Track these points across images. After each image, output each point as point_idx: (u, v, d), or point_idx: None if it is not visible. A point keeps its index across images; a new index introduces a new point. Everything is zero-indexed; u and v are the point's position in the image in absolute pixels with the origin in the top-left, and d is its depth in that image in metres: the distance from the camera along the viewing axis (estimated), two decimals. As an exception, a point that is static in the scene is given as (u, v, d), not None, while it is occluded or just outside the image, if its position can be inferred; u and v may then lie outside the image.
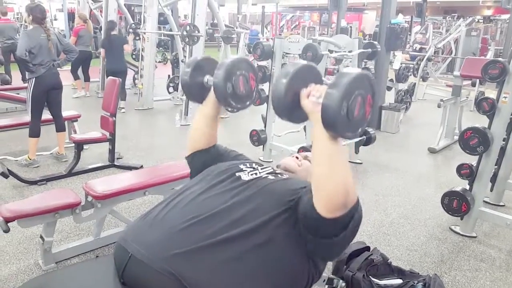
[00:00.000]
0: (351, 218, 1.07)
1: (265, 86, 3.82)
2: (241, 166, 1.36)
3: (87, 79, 7.15)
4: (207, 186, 1.26)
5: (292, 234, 1.12)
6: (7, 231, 2.03)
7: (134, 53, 7.59)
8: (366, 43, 3.71)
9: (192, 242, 1.06)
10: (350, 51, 3.61)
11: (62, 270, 1.33)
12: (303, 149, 3.34)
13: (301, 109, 1.15)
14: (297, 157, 1.50)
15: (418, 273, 2.02)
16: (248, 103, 1.45)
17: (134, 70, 7.55)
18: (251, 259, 1.08)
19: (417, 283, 1.87)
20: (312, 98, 1.12)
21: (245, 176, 1.29)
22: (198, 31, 5.07)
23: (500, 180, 3.21)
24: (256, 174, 1.31)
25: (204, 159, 1.48)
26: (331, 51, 3.53)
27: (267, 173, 1.32)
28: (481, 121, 2.82)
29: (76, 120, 4.34)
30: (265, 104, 3.84)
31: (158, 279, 1.03)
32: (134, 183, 2.49)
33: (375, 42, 3.79)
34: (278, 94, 1.14)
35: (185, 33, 4.99)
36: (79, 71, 7.03)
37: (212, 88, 1.42)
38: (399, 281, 1.94)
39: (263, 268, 1.09)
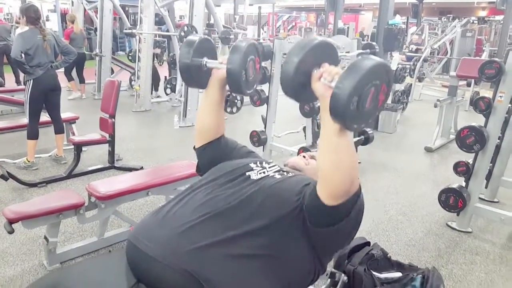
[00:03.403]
0: (353, 204, 1.09)
1: (265, 87, 3.85)
2: (252, 165, 1.36)
3: (82, 81, 7.14)
4: (217, 185, 1.28)
5: (300, 232, 1.15)
6: (11, 232, 2.06)
7: (130, 54, 7.60)
8: (364, 44, 3.76)
9: (202, 239, 1.08)
10: (347, 52, 3.66)
11: (77, 264, 1.36)
12: (303, 149, 3.38)
13: (311, 90, 1.08)
14: (304, 156, 1.52)
15: (417, 267, 2.06)
16: (255, 86, 1.42)
17: (130, 72, 7.58)
18: (260, 257, 1.10)
19: (416, 276, 1.91)
20: (324, 81, 1.05)
21: (254, 176, 1.31)
22: (196, 32, 5.11)
23: (494, 177, 3.27)
24: (264, 173, 1.33)
25: (214, 154, 1.46)
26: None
27: (274, 171, 1.34)
28: (476, 121, 2.87)
29: (74, 122, 4.37)
30: (265, 105, 3.88)
31: (171, 275, 1.05)
32: (137, 184, 2.51)
33: (374, 43, 3.83)
34: (287, 73, 1.06)
35: (182, 33, 5.02)
36: (73, 73, 7.01)
37: (213, 71, 1.39)
38: (398, 274, 1.97)
39: (272, 266, 1.11)
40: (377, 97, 1.00)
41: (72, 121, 4.27)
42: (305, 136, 4.11)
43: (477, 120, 2.89)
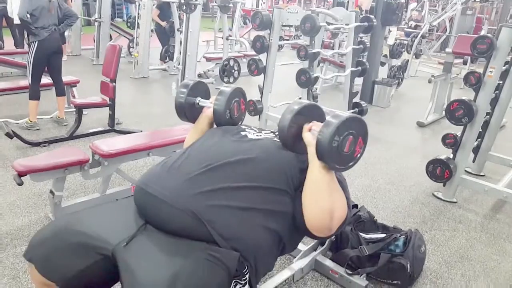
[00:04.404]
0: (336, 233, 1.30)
1: (263, 57, 3.89)
2: (244, 127, 1.53)
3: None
4: (217, 139, 1.40)
5: (290, 199, 1.28)
6: (20, 184, 2.17)
7: (129, 20, 7.53)
8: (362, 16, 3.80)
9: (205, 186, 1.19)
10: (347, 24, 3.70)
11: (87, 209, 1.45)
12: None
13: (301, 141, 1.33)
14: None
15: (401, 229, 2.21)
16: (240, 123, 1.68)
17: (129, 38, 7.54)
18: (255, 210, 1.21)
19: (399, 236, 2.06)
20: (313, 132, 1.31)
21: (251, 135, 1.44)
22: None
23: (482, 152, 3.41)
24: (260, 135, 1.46)
25: None
26: (328, 24, 3.62)
27: (270, 134, 1.49)
28: (471, 97, 2.94)
29: (75, 85, 4.41)
30: (262, 75, 3.94)
31: (178, 216, 1.15)
32: (138, 144, 2.61)
33: (372, 16, 3.87)
34: (283, 125, 1.31)
35: (182, 0, 4.98)
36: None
37: (204, 109, 1.65)
38: (383, 235, 2.12)
39: (265, 219, 1.22)
40: (355, 145, 1.25)
41: (73, 84, 4.32)
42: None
43: (471, 97, 2.96)
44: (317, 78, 3.44)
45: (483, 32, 8.24)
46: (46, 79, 3.97)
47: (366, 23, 3.79)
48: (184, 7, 4.96)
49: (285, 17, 3.61)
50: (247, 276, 1.19)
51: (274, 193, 1.26)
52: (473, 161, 3.50)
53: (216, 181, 1.22)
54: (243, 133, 1.47)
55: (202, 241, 1.14)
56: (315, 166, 1.26)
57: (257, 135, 1.46)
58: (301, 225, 1.26)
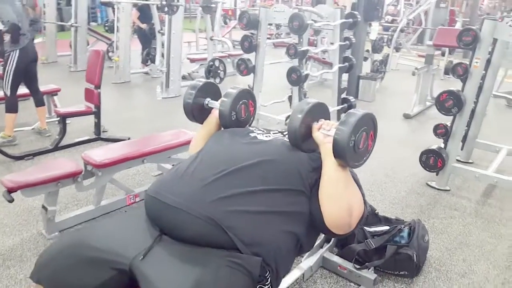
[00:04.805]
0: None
1: (252, 56, 3.87)
2: (251, 128, 1.51)
3: None
4: (228, 142, 1.37)
5: (307, 199, 1.26)
6: (11, 201, 2.08)
7: (106, 24, 7.38)
8: (347, 13, 3.82)
9: (223, 191, 1.16)
10: (332, 21, 3.71)
11: (96, 223, 1.40)
12: (290, 116, 3.47)
13: (310, 140, 1.35)
14: None
15: (403, 220, 2.24)
16: (247, 125, 1.66)
17: (107, 43, 7.39)
18: (275, 213, 1.19)
19: (404, 227, 2.08)
20: (323, 131, 1.32)
21: (260, 137, 1.42)
22: (178, 0, 5.00)
23: (469, 140, 3.48)
24: (269, 136, 1.45)
25: None
26: (314, 21, 3.62)
27: (278, 134, 1.47)
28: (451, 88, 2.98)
29: (56, 94, 4.28)
30: (252, 75, 3.91)
31: (196, 224, 1.11)
32: (132, 152, 2.55)
33: (356, 13, 3.90)
34: (294, 126, 1.32)
35: (164, 2, 4.91)
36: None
37: (213, 110, 1.62)
38: (386, 227, 2.14)
39: (285, 221, 1.20)
40: (367, 140, 1.27)
41: (54, 93, 4.19)
42: (290, 105, 4.20)
43: (452, 88, 3.01)
44: (307, 75, 3.44)
45: (458, 24, 8.45)
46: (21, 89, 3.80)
47: (351, 20, 3.81)
48: (166, 9, 4.89)
49: (272, 16, 3.60)
50: (269, 281, 1.17)
51: (291, 194, 1.24)
52: (461, 149, 3.57)
53: (233, 186, 1.19)
54: (252, 134, 1.44)
55: (221, 248, 1.11)
56: (330, 165, 1.25)
57: (267, 136, 1.45)
58: (320, 224, 1.25)
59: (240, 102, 1.57)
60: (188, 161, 1.32)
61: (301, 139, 1.34)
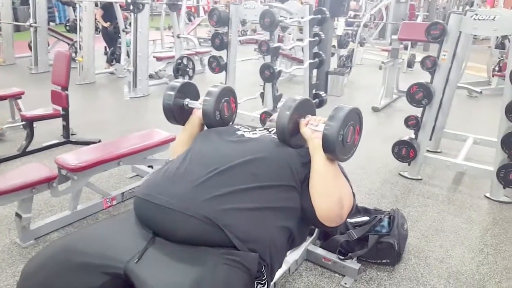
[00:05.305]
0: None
1: (223, 54, 3.85)
2: (237, 126, 1.52)
3: None
4: (216, 141, 1.37)
5: (298, 195, 1.29)
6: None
7: (68, 24, 7.11)
8: (316, 9, 3.87)
9: (217, 190, 1.16)
10: (302, 17, 3.76)
11: (85, 228, 1.35)
12: (265, 113, 3.50)
13: (298, 135, 1.38)
14: None
15: (382, 210, 2.31)
16: (230, 123, 1.65)
17: (68, 43, 7.14)
18: (268, 209, 1.20)
19: (383, 217, 2.14)
20: (311, 126, 1.36)
21: (247, 134, 1.43)
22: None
23: (437, 130, 3.62)
24: (255, 133, 1.45)
25: None
26: (284, 18, 3.66)
27: (264, 131, 1.49)
28: (414, 81, 3.04)
29: (20, 97, 4.07)
30: (223, 72, 3.90)
31: (193, 224, 1.10)
32: (107, 154, 2.48)
33: (324, 9, 3.96)
34: (282, 123, 1.34)
35: (129, 0, 4.79)
36: None
37: (194, 110, 1.61)
38: (366, 218, 2.20)
39: (278, 216, 1.22)
40: (354, 134, 1.33)
41: (17, 96, 3.97)
42: (262, 101, 4.22)
43: (415, 80, 3.08)
44: (280, 72, 3.47)
45: (419, 18, 8.76)
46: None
47: (319, 16, 3.87)
48: (131, 7, 4.77)
49: (242, 13, 3.59)
50: (266, 276, 1.18)
51: (283, 190, 1.25)
52: (430, 139, 3.71)
53: (226, 184, 1.19)
54: (239, 132, 1.45)
55: (217, 246, 1.11)
56: (319, 159, 1.28)
57: (253, 133, 1.45)
58: (312, 218, 1.27)
59: (223, 101, 1.57)
60: (177, 162, 1.31)
61: (290, 135, 1.36)
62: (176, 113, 1.60)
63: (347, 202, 1.28)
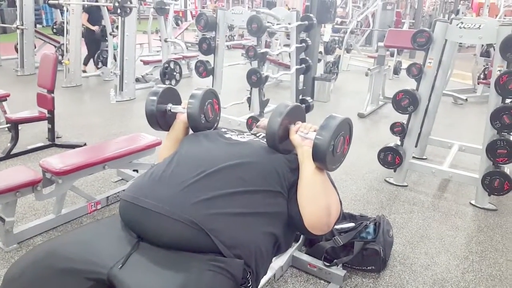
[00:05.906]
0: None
1: (210, 58, 3.85)
2: (224, 130, 1.52)
3: None
4: (205, 144, 1.36)
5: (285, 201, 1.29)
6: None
7: (55, 26, 7.03)
8: (303, 16, 3.91)
9: (204, 194, 1.15)
10: (289, 23, 3.79)
11: (69, 233, 1.32)
12: (252, 118, 3.50)
13: (287, 141, 1.37)
14: None
15: (367, 216, 2.32)
16: (215, 125, 1.65)
17: (55, 46, 7.05)
18: (255, 214, 1.19)
19: (369, 223, 2.16)
20: (301, 133, 1.35)
21: (235, 138, 1.43)
22: (131, 2, 4.88)
23: (423, 137, 3.67)
24: (243, 137, 1.45)
25: None
26: (272, 24, 3.68)
27: (252, 136, 1.49)
28: (400, 88, 3.08)
29: (5, 100, 4.01)
30: (209, 77, 3.90)
31: (179, 228, 1.09)
32: (92, 158, 2.45)
33: (311, 15, 4.00)
34: (273, 128, 1.33)
35: (116, 4, 4.76)
36: None
37: (177, 115, 1.60)
38: (352, 224, 2.21)
39: (265, 221, 1.21)
40: (344, 144, 1.32)
41: (2, 98, 3.91)
42: (249, 106, 4.23)
43: (401, 87, 3.14)
44: (267, 77, 3.49)
45: (405, 25, 8.89)
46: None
47: (306, 22, 3.90)
48: (119, 11, 4.74)
49: (230, 18, 3.60)
50: (251, 282, 1.17)
51: (270, 195, 1.25)
52: (415, 146, 3.75)
53: (213, 188, 1.18)
54: (226, 135, 1.44)
55: (203, 252, 1.10)
56: (308, 167, 1.29)
57: (241, 137, 1.45)
58: (299, 225, 1.27)
59: (207, 103, 1.57)
60: (163, 164, 1.30)
61: (279, 140, 1.36)
62: (160, 119, 1.59)
63: (334, 210, 1.28)
